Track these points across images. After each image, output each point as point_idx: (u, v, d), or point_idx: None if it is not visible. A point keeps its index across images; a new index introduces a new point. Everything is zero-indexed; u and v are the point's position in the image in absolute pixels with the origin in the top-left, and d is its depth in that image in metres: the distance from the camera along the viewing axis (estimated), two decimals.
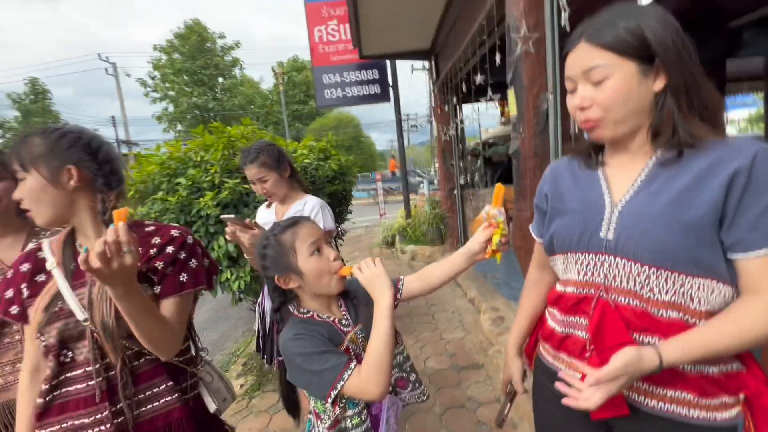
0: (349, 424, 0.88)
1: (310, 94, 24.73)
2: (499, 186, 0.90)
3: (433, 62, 5.13)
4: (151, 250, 0.89)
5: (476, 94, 3.46)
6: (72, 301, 0.82)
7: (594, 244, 0.71)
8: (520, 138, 2.20)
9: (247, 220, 1.48)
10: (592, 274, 0.72)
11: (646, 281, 0.66)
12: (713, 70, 5.06)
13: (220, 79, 25.79)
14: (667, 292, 0.65)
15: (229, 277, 2.25)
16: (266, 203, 1.91)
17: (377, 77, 6.43)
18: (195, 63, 23.85)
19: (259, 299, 1.88)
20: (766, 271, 0.60)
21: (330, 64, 6.34)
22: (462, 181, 5.33)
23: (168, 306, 0.88)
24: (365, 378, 0.77)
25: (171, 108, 24.72)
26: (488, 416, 2.07)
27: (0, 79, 35.76)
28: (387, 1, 3.74)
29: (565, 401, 0.64)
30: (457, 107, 4.67)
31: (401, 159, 6.79)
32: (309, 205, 1.74)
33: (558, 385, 0.67)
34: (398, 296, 0.95)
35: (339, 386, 0.77)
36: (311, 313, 0.91)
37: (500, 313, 2.92)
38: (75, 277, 0.85)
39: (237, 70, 26.81)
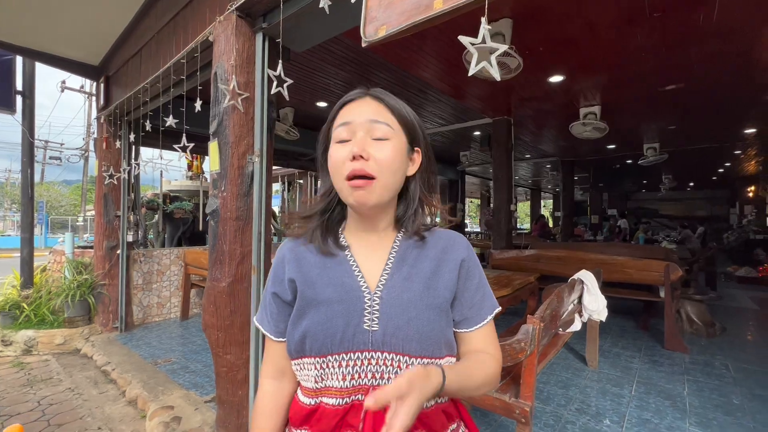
0: None
1: None
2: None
3: (102, 85, 4.01)
4: None
5: (164, 137, 2.93)
6: None
7: (359, 341, 0.62)
8: (221, 197, 1.95)
9: None
10: (359, 376, 0.62)
11: None
12: None
13: None
14: None
15: None
16: None
17: None
18: None
19: None
20: (482, 337, 0.69)
21: None
22: (130, 238, 4.21)
23: None
24: None
25: None
26: None
27: None
28: None
29: None
30: (135, 147, 3.79)
31: (24, 197, 4.60)
32: None
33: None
34: None
35: None
36: None
37: (176, 413, 2.27)
38: None
39: None
